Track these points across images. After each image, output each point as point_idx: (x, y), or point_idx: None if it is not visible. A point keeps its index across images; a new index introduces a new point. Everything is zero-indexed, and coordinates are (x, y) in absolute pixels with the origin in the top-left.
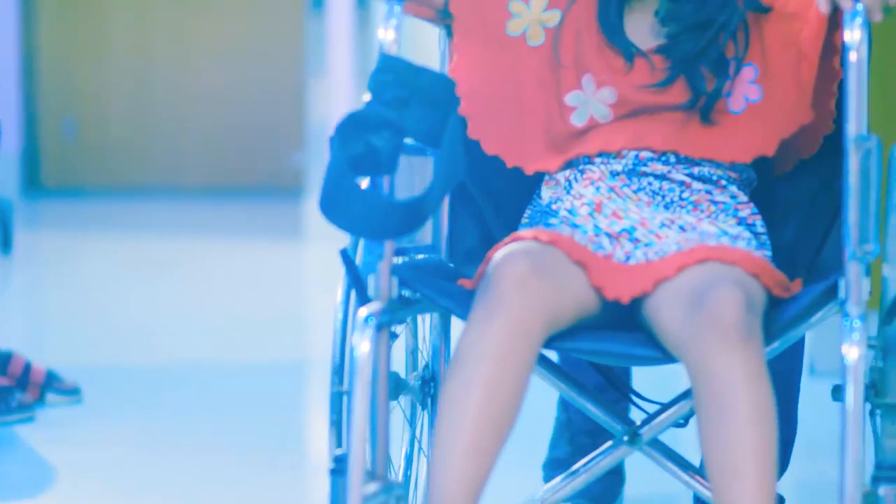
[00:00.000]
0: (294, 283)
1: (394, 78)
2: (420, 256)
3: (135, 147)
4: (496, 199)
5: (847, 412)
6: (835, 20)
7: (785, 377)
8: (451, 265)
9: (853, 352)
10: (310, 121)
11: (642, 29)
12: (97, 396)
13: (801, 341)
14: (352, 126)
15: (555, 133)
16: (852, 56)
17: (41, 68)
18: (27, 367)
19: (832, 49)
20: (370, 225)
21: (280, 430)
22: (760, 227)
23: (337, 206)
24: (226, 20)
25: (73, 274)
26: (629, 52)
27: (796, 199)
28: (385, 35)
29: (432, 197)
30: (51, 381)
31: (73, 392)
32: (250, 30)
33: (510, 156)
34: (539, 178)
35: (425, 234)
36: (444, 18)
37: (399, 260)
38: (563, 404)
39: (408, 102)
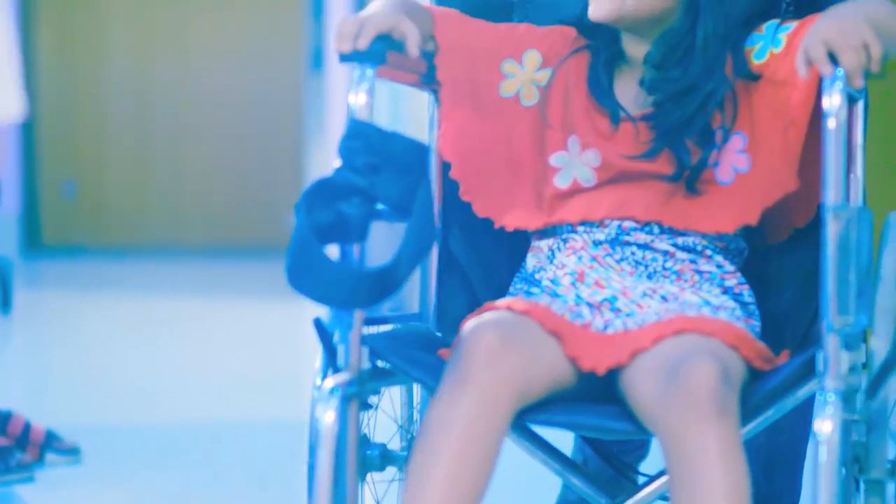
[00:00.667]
0: (292, 343)
1: (364, 144)
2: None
3: (134, 207)
4: (484, 267)
5: (819, 488)
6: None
7: (790, 443)
8: (439, 334)
9: (826, 426)
10: (308, 181)
11: (630, 94)
12: (97, 456)
13: (809, 407)
14: (320, 193)
15: (541, 193)
16: (830, 123)
17: (41, 130)
18: (27, 427)
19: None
20: (337, 294)
21: (279, 491)
22: (748, 297)
23: (303, 275)
24: (225, 77)
25: (73, 333)
26: (616, 115)
27: (791, 269)
28: (356, 99)
29: (403, 265)
30: (50, 441)
31: (72, 452)
32: (249, 87)
33: (500, 216)
34: (527, 245)
35: (413, 303)
36: (427, 83)
37: (377, 329)
38: (579, 445)
39: (379, 169)
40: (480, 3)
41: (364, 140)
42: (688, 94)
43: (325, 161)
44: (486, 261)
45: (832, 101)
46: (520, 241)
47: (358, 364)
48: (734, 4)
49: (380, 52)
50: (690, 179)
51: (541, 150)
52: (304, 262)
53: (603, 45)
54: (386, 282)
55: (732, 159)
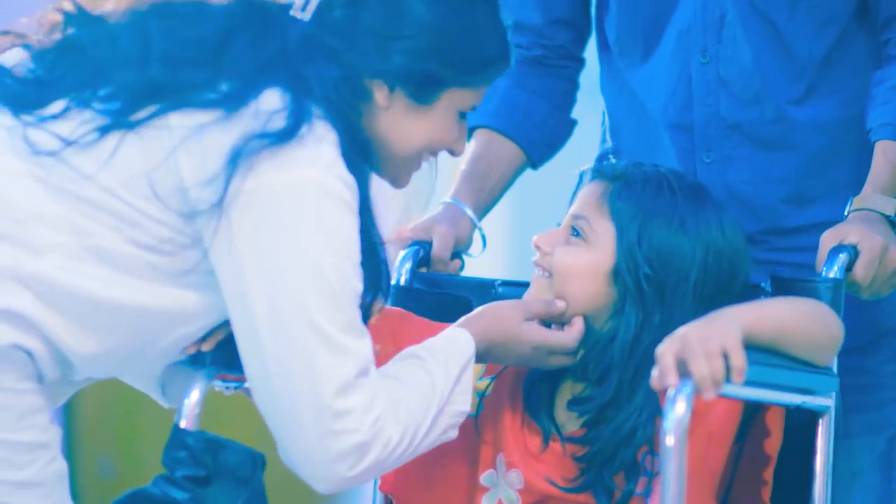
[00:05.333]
0: None
1: (188, 455)
2: None
3: None
4: None
5: None
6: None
7: None
8: None
9: None
10: None
11: (567, 410)
12: None
13: None
14: None
15: None
16: (668, 440)
17: (78, 408)
18: None
19: (765, 431)
20: None
21: None
22: None
23: None
24: None
25: None
26: (547, 433)
27: None
28: (187, 403)
29: None
30: None
31: None
32: None
33: None
34: None
35: None
36: None
37: None
38: None
39: (209, 481)
40: (437, 301)
41: (188, 451)
42: (612, 420)
43: None
44: None
45: (675, 412)
46: None
47: None
48: (677, 305)
49: (225, 359)
50: None
51: (475, 467)
52: None
53: None
54: None
55: None
